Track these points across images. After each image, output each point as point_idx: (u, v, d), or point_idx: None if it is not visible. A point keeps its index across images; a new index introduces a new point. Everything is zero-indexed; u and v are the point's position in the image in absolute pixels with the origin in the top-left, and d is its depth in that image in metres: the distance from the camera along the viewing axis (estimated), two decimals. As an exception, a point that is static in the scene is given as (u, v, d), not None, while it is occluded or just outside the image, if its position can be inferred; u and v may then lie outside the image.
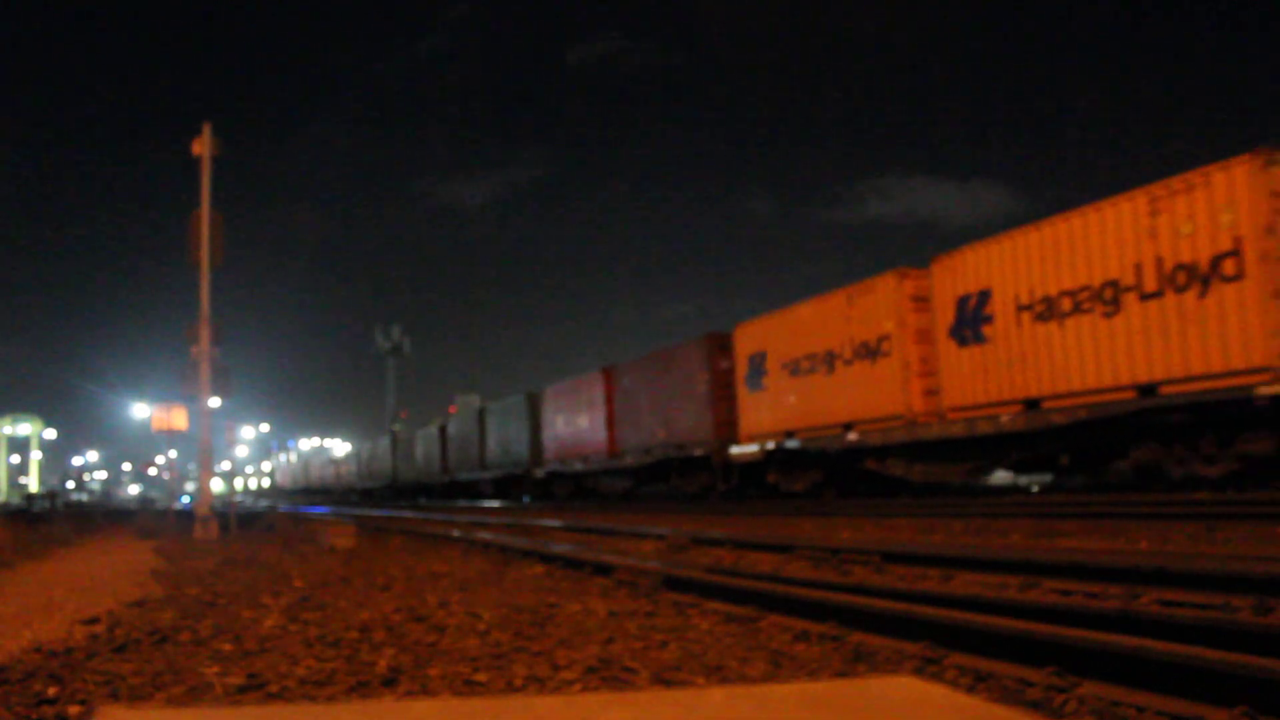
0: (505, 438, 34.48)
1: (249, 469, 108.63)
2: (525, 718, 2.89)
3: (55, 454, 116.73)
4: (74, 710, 3.14)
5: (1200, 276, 12.19)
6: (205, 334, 15.93)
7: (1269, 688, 2.73)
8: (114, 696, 3.32)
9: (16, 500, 59.86)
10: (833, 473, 19.28)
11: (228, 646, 4.23)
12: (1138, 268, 12.91)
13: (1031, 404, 14.52)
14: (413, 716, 2.96)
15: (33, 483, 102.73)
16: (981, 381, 15.33)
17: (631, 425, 25.42)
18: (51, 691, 3.36)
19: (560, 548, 9.46)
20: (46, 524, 21.54)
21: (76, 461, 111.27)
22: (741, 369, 21.20)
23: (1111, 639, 3.33)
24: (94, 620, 5.16)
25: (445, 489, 42.24)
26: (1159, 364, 12.68)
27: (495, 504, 33.82)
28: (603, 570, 7.08)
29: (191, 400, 16.70)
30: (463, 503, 37.37)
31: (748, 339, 21.10)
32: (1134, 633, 3.51)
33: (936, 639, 3.82)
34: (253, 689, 3.38)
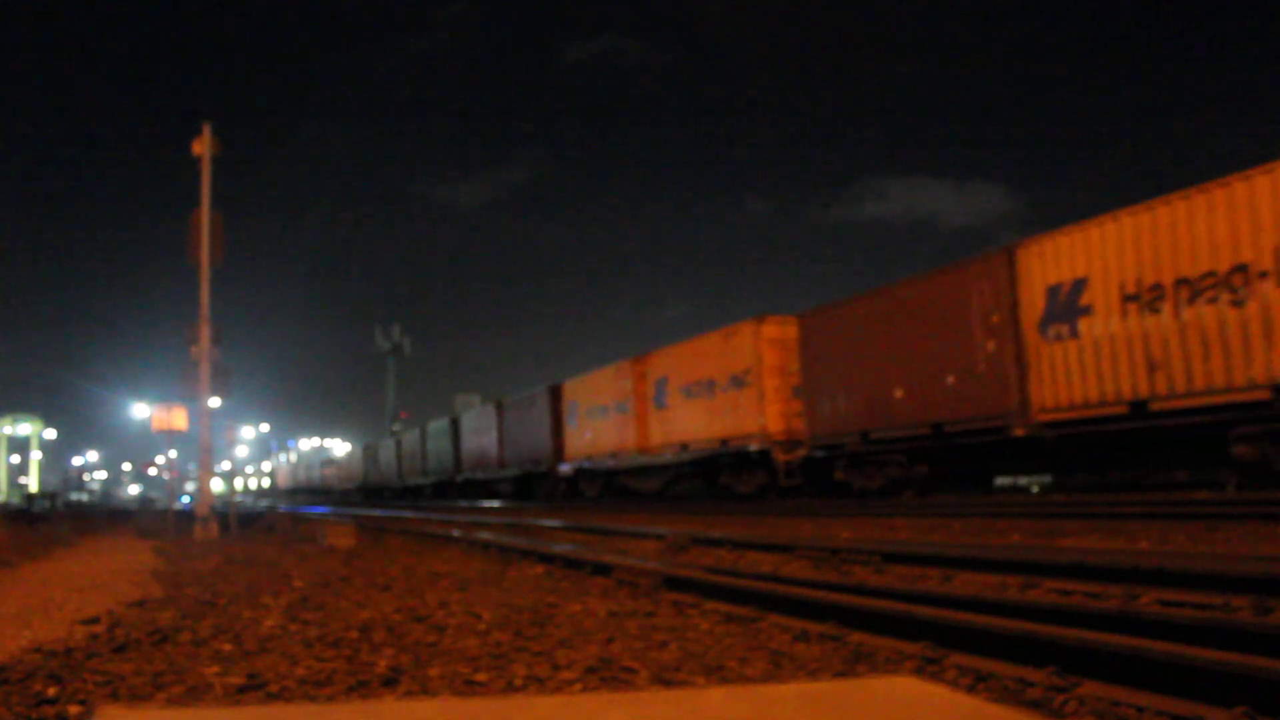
0: (439, 451, 43.76)
1: (249, 469, 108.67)
2: (525, 718, 2.89)
3: (55, 454, 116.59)
4: (74, 710, 3.14)
5: (741, 381, 21.47)
6: (205, 334, 15.93)
7: (1269, 688, 2.73)
8: (114, 696, 3.32)
9: (17, 500, 59.81)
10: (607, 485, 28.61)
11: (228, 646, 4.23)
12: (720, 372, 22.22)
13: (684, 446, 23.93)
14: (413, 716, 2.96)
15: (33, 483, 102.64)
16: (665, 430, 24.81)
17: (511, 446, 35.38)
18: (51, 691, 3.36)
19: (560, 548, 9.46)
20: (46, 524, 21.55)
21: (76, 461, 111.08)
22: (566, 412, 30.85)
23: (1111, 639, 3.33)
24: (94, 620, 5.16)
25: (400, 491, 50.23)
26: (728, 427, 21.92)
27: (494, 504, 34.07)
28: (603, 570, 7.08)
29: (191, 400, 16.70)
30: (463, 503, 37.68)
31: (570, 391, 30.79)
32: (1134, 633, 3.51)
33: (936, 639, 3.81)
34: (253, 689, 3.38)
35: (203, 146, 16.39)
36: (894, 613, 4.25)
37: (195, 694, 3.34)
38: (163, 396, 19.83)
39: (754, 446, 20.88)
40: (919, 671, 3.53)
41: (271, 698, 3.28)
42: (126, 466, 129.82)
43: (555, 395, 31.47)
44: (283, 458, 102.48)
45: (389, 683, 3.45)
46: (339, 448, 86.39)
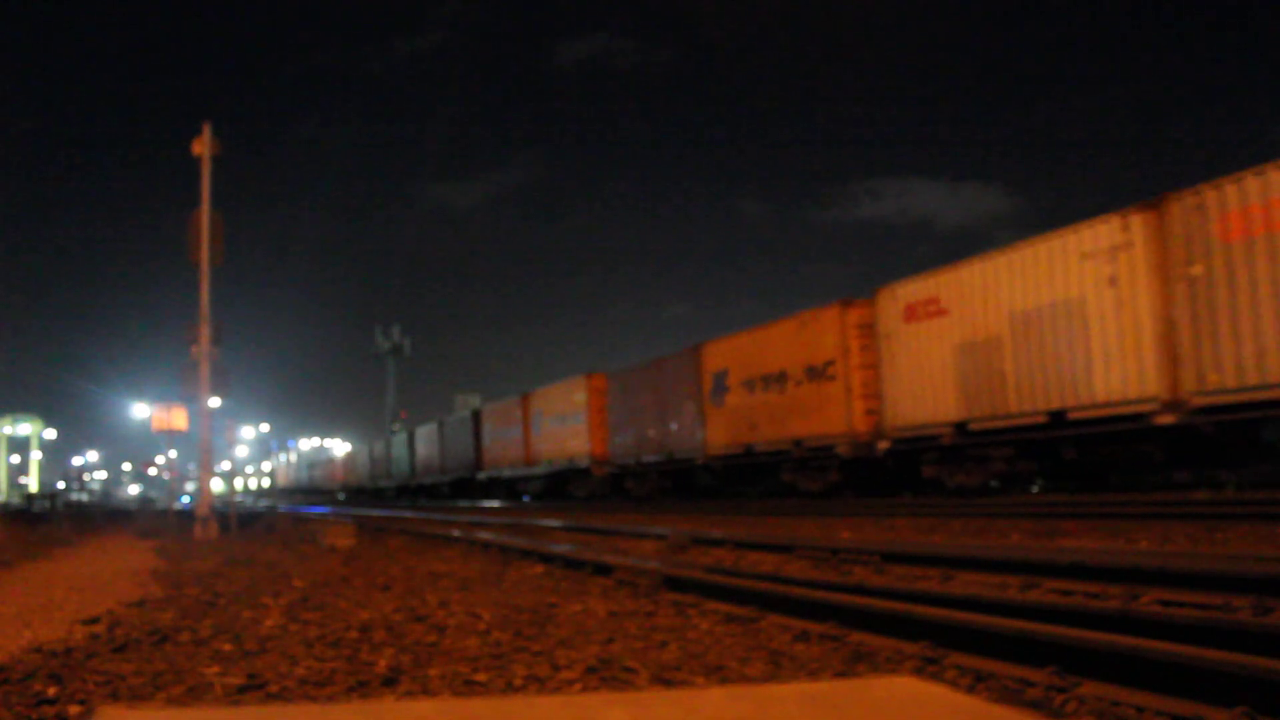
0: (400, 459, 51.26)
1: (249, 469, 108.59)
2: (525, 718, 2.89)
3: (55, 454, 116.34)
4: (74, 710, 3.14)
5: (579, 417, 29.91)
6: (205, 334, 15.92)
7: (1269, 688, 2.73)
8: (114, 696, 3.32)
9: (17, 500, 59.77)
10: (508, 488, 37.04)
11: (228, 646, 4.23)
12: (568, 409, 30.74)
13: (550, 462, 32.25)
14: (413, 716, 2.96)
15: (33, 483, 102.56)
16: (540, 449, 33.20)
17: (450, 455, 42.95)
18: (51, 691, 3.36)
19: (560, 548, 9.46)
20: (46, 524, 21.54)
21: (76, 461, 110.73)
22: (483, 432, 39.02)
23: (1111, 639, 3.33)
24: (94, 620, 5.16)
25: (372, 493, 57.43)
26: (572, 449, 30.50)
27: (493, 504, 34.17)
28: (603, 570, 7.08)
29: (191, 400, 16.70)
30: (463, 503, 37.89)
31: (485, 416, 39.37)
32: (1134, 633, 3.51)
33: (936, 639, 3.81)
34: (253, 689, 3.38)
35: (203, 146, 16.38)
36: (894, 613, 4.24)
37: (195, 694, 3.34)
38: (163, 396, 19.84)
39: (584, 464, 29.82)
40: (919, 671, 3.53)
41: (271, 698, 3.28)
42: (126, 466, 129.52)
43: (476, 418, 40.01)
44: (283, 458, 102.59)
45: (389, 683, 3.45)
46: (339, 448, 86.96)
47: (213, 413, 16.47)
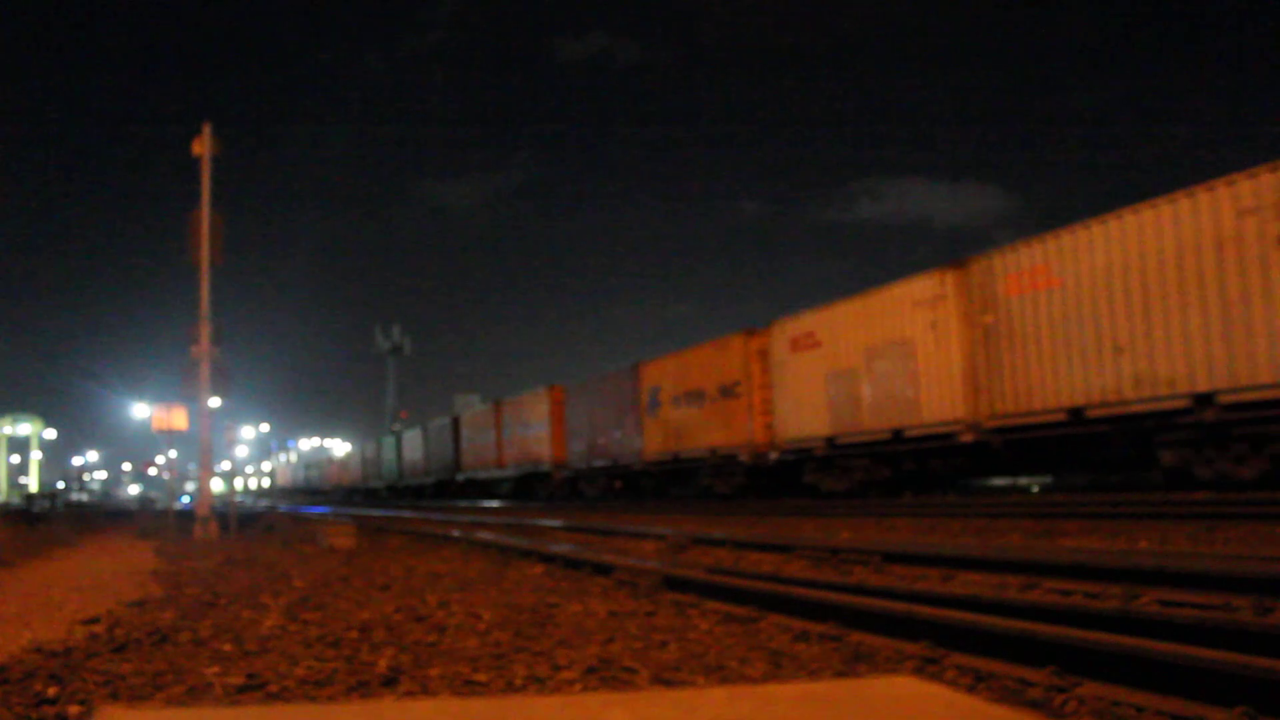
0: (388, 461, 54.90)
1: (249, 469, 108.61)
2: (525, 718, 2.89)
3: (55, 454, 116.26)
4: (74, 710, 3.14)
5: (543, 425, 32.99)
6: (205, 334, 15.92)
7: (1269, 688, 2.73)
8: (114, 696, 3.32)
9: (17, 500, 59.72)
10: (482, 489, 40.41)
11: (228, 646, 4.23)
12: (534, 417, 33.91)
13: (518, 464, 35.39)
14: (413, 716, 2.96)
15: (33, 483, 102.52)
16: (510, 454, 36.51)
17: (433, 458, 46.47)
18: (51, 691, 3.36)
19: (560, 548, 9.46)
20: (46, 524, 21.53)
21: (76, 461, 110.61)
22: (462, 436, 42.38)
23: (1111, 639, 3.33)
24: (94, 620, 5.16)
25: (365, 493, 61.08)
26: (536, 454, 33.59)
27: (493, 504, 34.20)
28: (603, 570, 7.08)
29: (191, 400, 16.69)
30: (462, 503, 37.97)
31: (464, 422, 42.69)
32: (1134, 633, 3.51)
33: (936, 639, 3.81)
34: (253, 689, 3.38)
35: (203, 146, 16.38)
36: (894, 613, 4.24)
37: (195, 694, 3.34)
38: (163, 396, 19.81)
39: (546, 467, 33.04)
40: (919, 671, 3.53)
41: (271, 698, 3.28)
42: (126, 466, 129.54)
43: (456, 424, 43.40)
44: (283, 458, 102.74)
45: (389, 683, 3.45)
46: (338, 448, 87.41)
47: (213, 413, 16.47)
